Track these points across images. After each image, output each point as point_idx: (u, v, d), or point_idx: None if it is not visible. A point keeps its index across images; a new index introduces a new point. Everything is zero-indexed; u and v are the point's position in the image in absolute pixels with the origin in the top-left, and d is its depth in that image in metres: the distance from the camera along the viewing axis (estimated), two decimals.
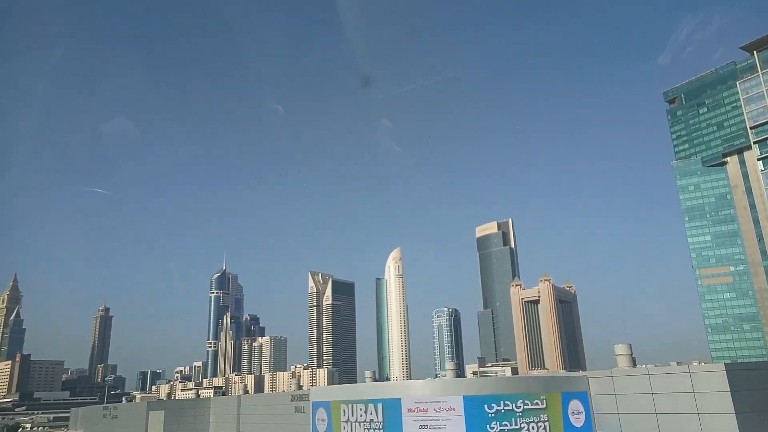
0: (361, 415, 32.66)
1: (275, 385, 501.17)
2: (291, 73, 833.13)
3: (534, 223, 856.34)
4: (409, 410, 30.09)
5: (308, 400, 50.04)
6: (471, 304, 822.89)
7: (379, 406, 31.69)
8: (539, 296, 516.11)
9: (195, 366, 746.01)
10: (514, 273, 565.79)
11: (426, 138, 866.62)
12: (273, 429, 54.71)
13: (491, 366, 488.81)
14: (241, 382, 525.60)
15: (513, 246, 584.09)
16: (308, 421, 49.99)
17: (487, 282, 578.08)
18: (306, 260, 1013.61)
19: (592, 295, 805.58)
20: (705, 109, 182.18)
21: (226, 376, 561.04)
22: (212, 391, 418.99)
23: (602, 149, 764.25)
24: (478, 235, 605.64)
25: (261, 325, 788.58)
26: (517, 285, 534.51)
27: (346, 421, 33.91)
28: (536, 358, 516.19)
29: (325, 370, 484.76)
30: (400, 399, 31.22)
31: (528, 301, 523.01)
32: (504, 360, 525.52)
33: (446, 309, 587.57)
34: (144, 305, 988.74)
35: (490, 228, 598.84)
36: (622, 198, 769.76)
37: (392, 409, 31.06)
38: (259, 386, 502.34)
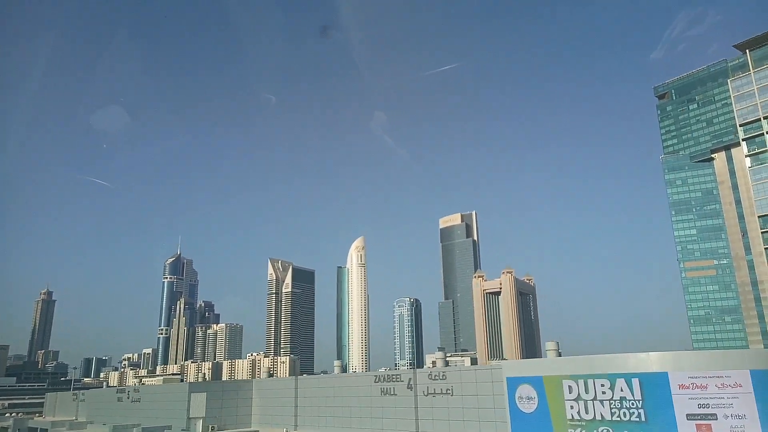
0: (603, 392, 27.79)
1: (234, 372, 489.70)
2: (286, 63, 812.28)
3: (496, 216, 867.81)
4: (682, 386, 25.50)
5: (397, 381, 45.62)
6: (432, 295, 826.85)
7: (635, 381, 26.88)
8: (500, 288, 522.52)
9: (144, 353, 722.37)
10: (476, 265, 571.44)
11: (396, 130, 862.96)
12: (352, 412, 49.90)
13: (451, 356, 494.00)
14: (198, 370, 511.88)
15: (476, 238, 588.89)
16: (401, 403, 45.61)
17: (449, 273, 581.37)
18: (265, 247, 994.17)
19: (550, 288, 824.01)
20: (695, 106, 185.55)
21: (181, 363, 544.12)
22: (172, 377, 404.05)
23: (584, 144, 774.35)
24: (441, 226, 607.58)
25: (216, 312, 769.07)
26: (479, 276, 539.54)
27: (575, 399, 29.06)
28: (495, 349, 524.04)
29: (288, 357, 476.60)
30: (666, 373, 26.56)
31: (489, 293, 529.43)
32: (463, 350, 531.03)
33: (407, 299, 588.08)
34: (91, 290, 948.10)
35: (454, 220, 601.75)
36: (590, 193, 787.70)
37: (656, 385, 26.36)
38: (216, 374, 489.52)
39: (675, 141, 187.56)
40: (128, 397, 68.35)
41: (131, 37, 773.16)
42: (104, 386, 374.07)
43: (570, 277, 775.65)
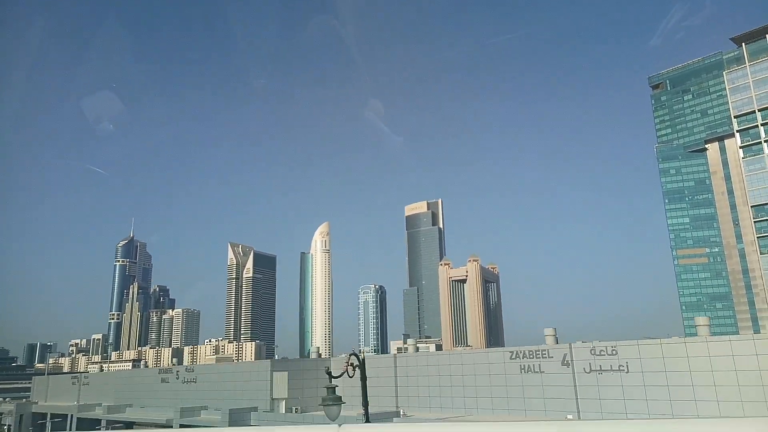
0: None
1: (196, 358, 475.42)
2: (281, 50, 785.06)
3: (462, 204, 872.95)
4: None
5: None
6: (396, 282, 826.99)
7: None
8: (467, 276, 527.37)
9: (94, 338, 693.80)
10: (442, 252, 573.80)
11: (363, 115, 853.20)
12: (478, 392, 45.47)
13: (416, 342, 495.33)
14: (157, 356, 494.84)
15: (441, 226, 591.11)
16: (551, 382, 41.59)
17: (414, 260, 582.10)
18: (225, 232, 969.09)
19: (515, 277, 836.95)
20: (690, 96, 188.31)
21: (138, 348, 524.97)
22: (129, 364, 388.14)
23: (572, 130, 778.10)
24: (407, 213, 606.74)
25: (171, 297, 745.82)
26: (445, 264, 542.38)
27: None
28: (460, 336, 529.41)
29: (253, 343, 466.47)
30: None
31: (455, 280, 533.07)
32: (426, 337, 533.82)
33: (373, 285, 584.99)
34: (33, 273, 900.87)
35: (420, 207, 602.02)
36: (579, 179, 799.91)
37: None
38: (178, 359, 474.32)
39: (669, 131, 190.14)
40: (177, 378, 61.44)
41: (123, 23, 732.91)
42: (60, 371, 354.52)
43: (536, 265, 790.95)
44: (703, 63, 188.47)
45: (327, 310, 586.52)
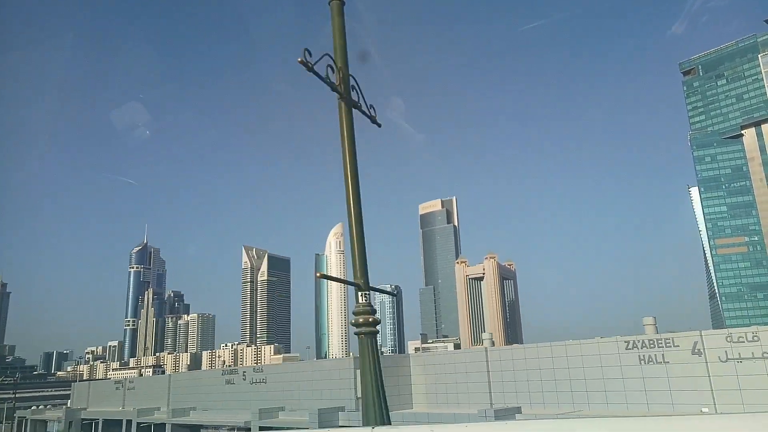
0: None
1: (214, 363, 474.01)
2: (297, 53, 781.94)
3: (474, 202, 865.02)
4: None
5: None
6: (411, 281, 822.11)
7: None
8: (484, 273, 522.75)
9: (110, 345, 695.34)
10: (457, 251, 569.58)
11: (379, 115, 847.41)
12: (588, 386, 42.06)
13: (433, 342, 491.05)
14: (176, 361, 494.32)
15: (456, 224, 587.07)
16: (676, 372, 38.09)
17: (430, 259, 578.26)
18: (238, 235, 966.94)
19: (530, 273, 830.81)
20: (724, 81, 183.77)
21: (157, 354, 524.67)
22: (151, 370, 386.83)
23: (586, 124, 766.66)
24: (421, 212, 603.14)
25: (185, 302, 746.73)
26: (462, 262, 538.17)
27: None
28: (478, 334, 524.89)
29: (273, 346, 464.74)
30: None
31: (472, 278, 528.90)
32: (444, 336, 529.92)
33: (389, 285, 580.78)
34: (49, 281, 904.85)
35: (434, 205, 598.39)
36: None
37: None
38: (196, 364, 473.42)
39: (702, 117, 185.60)
40: (244, 379, 58.46)
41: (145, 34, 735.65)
42: (81, 379, 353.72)
43: (553, 261, 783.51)
44: (736, 47, 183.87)
45: (343, 311, 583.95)
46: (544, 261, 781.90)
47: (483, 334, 59.37)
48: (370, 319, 7.59)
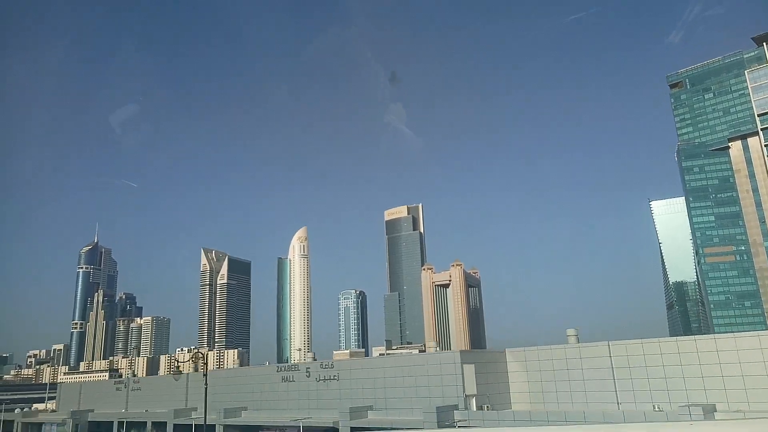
0: None
1: (173, 367, 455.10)
2: (297, 59, 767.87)
3: (440, 209, 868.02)
4: None
5: None
6: (375, 288, 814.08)
7: None
8: (450, 280, 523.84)
9: (55, 349, 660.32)
10: (423, 257, 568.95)
11: (341, 120, 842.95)
12: (743, 382, 38.98)
13: (397, 348, 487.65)
14: (131, 365, 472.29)
15: (422, 231, 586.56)
16: None
17: (395, 265, 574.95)
18: (196, 238, 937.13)
19: (495, 281, 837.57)
20: (711, 95, 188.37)
21: (111, 357, 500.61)
22: (107, 374, 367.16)
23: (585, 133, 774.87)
24: (387, 218, 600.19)
25: (138, 305, 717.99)
26: (428, 269, 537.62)
27: None
28: (444, 340, 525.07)
29: (236, 351, 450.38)
30: None
31: (438, 285, 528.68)
32: (408, 343, 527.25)
33: (354, 291, 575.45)
34: None
35: (400, 212, 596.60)
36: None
37: None
38: (153, 369, 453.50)
39: (690, 129, 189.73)
40: (308, 375, 52.27)
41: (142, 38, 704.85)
42: (32, 383, 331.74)
43: (517, 269, 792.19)
44: (723, 62, 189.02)
45: (306, 316, 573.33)
46: (508, 269, 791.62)
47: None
48: None
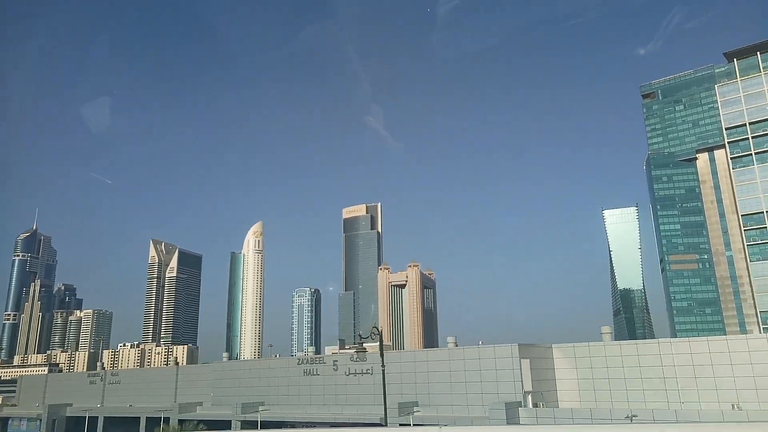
0: None
1: (118, 362, 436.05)
2: (273, 53, 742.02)
3: (397, 209, 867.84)
4: None
5: None
6: (329, 286, 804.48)
7: None
8: (406, 281, 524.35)
9: None
10: (380, 257, 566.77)
11: (304, 119, 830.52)
12: (754, 382, 38.08)
13: (349, 348, 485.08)
14: (70, 360, 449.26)
15: (380, 230, 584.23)
16: None
17: (351, 264, 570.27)
18: (141, 228, 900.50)
19: (448, 282, 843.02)
20: (681, 107, 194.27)
21: (48, 352, 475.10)
22: (46, 368, 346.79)
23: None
24: (345, 216, 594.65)
25: (78, 297, 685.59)
26: (385, 269, 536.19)
27: None
28: (397, 340, 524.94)
29: (186, 347, 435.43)
30: None
31: (395, 285, 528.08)
32: (360, 343, 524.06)
33: (308, 289, 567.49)
34: None
35: (359, 210, 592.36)
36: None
37: None
38: (92, 365, 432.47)
39: (660, 139, 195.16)
40: (335, 369, 48.28)
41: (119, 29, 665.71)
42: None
43: (470, 271, 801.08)
44: (694, 75, 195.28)
45: (258, 312, 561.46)
46: (463, 271, 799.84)
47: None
48: None
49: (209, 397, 62.27)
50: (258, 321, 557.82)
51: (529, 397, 41.84)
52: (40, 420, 65.96)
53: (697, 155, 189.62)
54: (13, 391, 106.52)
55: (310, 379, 51.22)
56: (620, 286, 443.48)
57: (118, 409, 61.72)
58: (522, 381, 41.10)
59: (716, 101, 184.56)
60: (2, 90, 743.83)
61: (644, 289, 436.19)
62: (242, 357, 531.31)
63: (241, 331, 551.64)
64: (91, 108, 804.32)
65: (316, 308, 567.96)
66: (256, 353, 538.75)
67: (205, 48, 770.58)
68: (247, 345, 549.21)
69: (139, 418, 59.04)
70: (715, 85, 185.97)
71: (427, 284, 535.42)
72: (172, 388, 70.58)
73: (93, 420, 64.64)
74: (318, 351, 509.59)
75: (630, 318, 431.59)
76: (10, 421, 73.79)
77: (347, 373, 49.17)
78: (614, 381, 43.85)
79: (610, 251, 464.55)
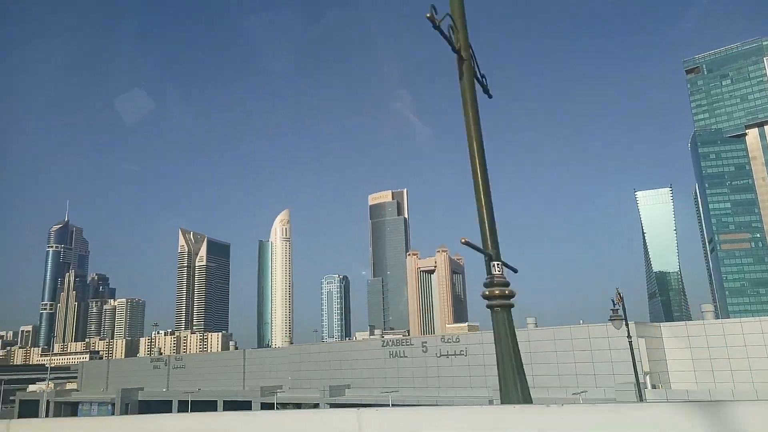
0: None
1: (152, 350, 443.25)
2: (298, 41, 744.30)
3: (424, 194, 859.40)
4: None
5: None
6: (357, 273, 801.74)
7: None
8: (435, 266, 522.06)
9: (23, 330, 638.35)
10: (407, 243, 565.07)
11: (330, 105, 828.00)
12: None
13: (381, 334, 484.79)
14: (108, 347, 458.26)
15: (407, 216, 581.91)
16: None
17: (379, 251, 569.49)
18: (169, 217, 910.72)
19: (478, 268, 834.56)
20: (728, 81, 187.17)
21: (87, 340, 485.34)
22: (87, 356, 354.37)
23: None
24: (371, 203, 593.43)
25: (111, 287, 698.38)
26: (413, 254, 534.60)
27: None
28: (428, 326, 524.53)
29: (220, 334, 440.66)
30: None
31: (424, 271, 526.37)
32: (390, 329, 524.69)
33: (337, 276, 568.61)
34: None
35: (384, 196, 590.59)
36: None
37: None
38: (132, 351, 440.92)
39: (707, 115, 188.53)
40: (425, 350, 46.51)
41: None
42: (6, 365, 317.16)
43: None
44: (741, 48, 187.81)
45: (287, 300, 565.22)
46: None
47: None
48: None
49: (280, 381, 61.22)
50: (288, 308, 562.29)
51: (647, 377, 39.64)
52: (112, 404, 65.78)
53: (747, 131, 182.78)
54: (67, 378, 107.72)
55: (396, 361, 49.64)
56: (655, 268, 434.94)
57: (192, 394, 61.09)
58: (641, 361, 38.91)
59: (765, 74, 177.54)
60: (33, 83, 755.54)
61: (680, 272, 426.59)
62: (273, 344, 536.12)
63: (271, 318, 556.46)
64: (120, 99, 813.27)
65: (345, 295, 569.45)
66: (288, 341, 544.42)
67: (230, 35, 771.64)
68: (278, 333, 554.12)
69: (216, 401, 58.28)
70: (764, 58, 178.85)
71: (455, 269, 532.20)
72: (239, 372, 69.79)
73: (166, 404, 64.21)
74: (348, 337, 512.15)
75: (666, 301, 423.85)
76: (80, 406, 73.98)
77: (438, 355, 47.40)
78: (737, 361, 41.31)
79: (643, 233, 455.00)
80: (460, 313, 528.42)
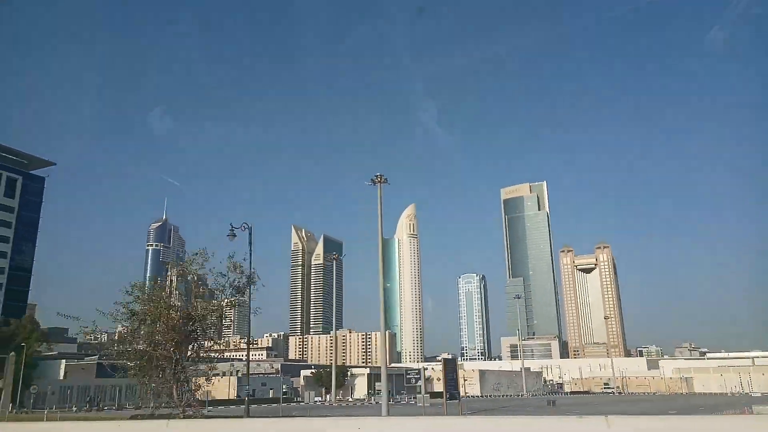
0: None
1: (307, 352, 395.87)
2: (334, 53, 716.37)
3: (563, 187, 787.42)
4: None
5: None
6: (489, 272, 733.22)
7: None
8: (595, 264, 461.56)
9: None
10: (551, 240, 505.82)
11: (454, 92, 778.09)
12: None
13: (528, 340, 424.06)
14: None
15: (548, 210, 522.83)
16: None
17: (518, 248, 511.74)
18: (276, 214, 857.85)
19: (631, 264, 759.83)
20: None
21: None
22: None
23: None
24: (504, 197, 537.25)
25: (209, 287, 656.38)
26: (568, 251, 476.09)
27: None
28: (586, 333, 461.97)
29: (388, 332, 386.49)
30: None
31: (581, 269, 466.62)
32: (532, 334, 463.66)
33: (475, 275, 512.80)
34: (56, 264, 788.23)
35: (520, 190, 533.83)
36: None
37: None
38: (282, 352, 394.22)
39: None
40: None
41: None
42: None
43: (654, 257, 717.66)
44: None
45: (416, 302, 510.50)
46: (647, 255, 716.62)
47: None
48: None
49: None
50: (418, 312, 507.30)
51: None
52: None
53: None
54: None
55: None
56: None
57: None
58: None
59: None
60: (137, 80, 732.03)
61: None
62: (404, 352, 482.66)
63: (400, 322, 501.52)
64: (216, 95, 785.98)
65: (484, 296, 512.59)
66: (419, 348, 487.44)
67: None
68: (407, 339, 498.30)
69: None
70: None
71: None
72: None
73: None
74: (489, 344, 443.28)
75: None
76: None
77: None
78: None
79: None
80: (616, 317, 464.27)
